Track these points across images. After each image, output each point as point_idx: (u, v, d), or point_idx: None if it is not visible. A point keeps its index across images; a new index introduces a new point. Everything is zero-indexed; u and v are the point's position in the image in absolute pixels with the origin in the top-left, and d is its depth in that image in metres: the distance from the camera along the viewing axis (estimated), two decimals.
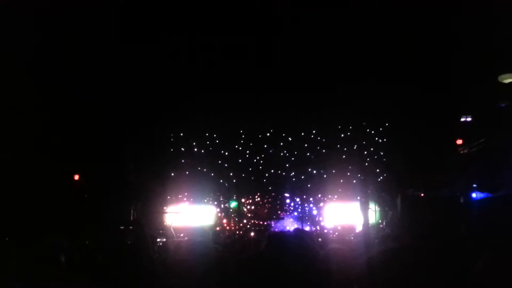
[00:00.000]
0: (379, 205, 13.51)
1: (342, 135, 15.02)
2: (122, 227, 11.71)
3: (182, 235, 14.04)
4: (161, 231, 13.54)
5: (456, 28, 10.47)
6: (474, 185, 10.84)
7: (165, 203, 15.18)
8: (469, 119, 12.29)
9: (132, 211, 13.82)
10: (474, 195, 10.66)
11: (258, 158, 15.45)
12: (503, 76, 10.83)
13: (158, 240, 11.66)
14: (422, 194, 12.12)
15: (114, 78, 12.43)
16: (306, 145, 15.24)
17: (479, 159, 11.41)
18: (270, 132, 15.46)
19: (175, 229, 13.97)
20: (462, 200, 10.49)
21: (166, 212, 14.92)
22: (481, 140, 11.59)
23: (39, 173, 11.85)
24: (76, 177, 14.34)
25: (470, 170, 11.48)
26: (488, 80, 11.14)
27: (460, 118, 12.36)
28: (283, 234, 10.82)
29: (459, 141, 12.31)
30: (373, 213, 13.55)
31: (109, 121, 13.50)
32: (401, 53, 11.48)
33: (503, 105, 11.24)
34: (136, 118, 14.14)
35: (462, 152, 12.19)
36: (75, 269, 4.18)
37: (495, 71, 10.92)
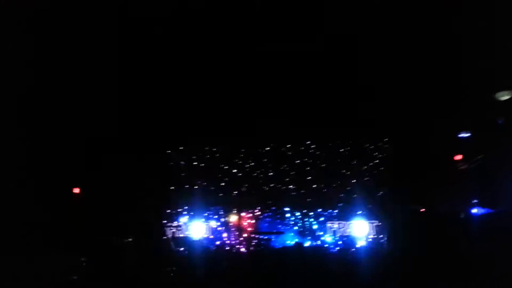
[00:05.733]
0: (380, 220, 13.50)
1: (342, 150, 15.09)
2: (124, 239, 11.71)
3: (182, 248, 14.01)
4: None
5: (455, 45, 10.67)
6: (475, 201, 10.90)
7: (165, 216, 15.15)
8: (467, 135, 12.42)
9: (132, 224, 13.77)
10: (474, 210, 10.70)
11: (258, 172, 15.49)
12: (500, 93, 11.02)
13: None
14: (423, 210, 12.14)
15: (115, 91, 12.57)
16: (306, 159, 15.30)
17: (478, 175, 11.50)
18: (270, 147, 15.53)
19: (175, 242, 13.94)
20: (462, 216, 10.53)
21: (167, 225, 14.89)
22: (480, 156, 11.70)
23: (40, 185, 11.87)
24: (76, 190, 14.35)
25: (470, 186, 11.56)
26: (486, 97, 11.31)
27: (459, 134, 12.49)
28: (286, 250, 10.85)
29: (458, 157, 12.41)
30: (374, 228, 13.55)
31: (109, 134, 13.58)
32: (401, 71, 11.65)
33: (500, 121, 11.40)
34: (136, 132, 14.23)
35: (461, 167, 12.29)
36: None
37: (493, 88, 11.10)
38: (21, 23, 9.80)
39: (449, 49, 10.83)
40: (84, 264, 9.42)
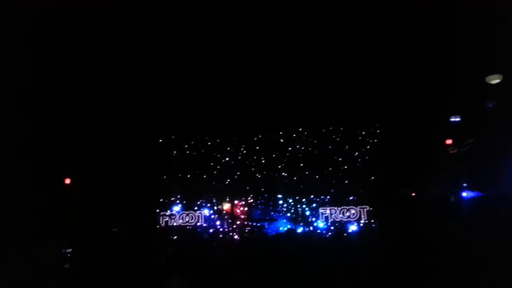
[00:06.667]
0: (371, 205, 13.61)
1: (334, 136, 15.11)
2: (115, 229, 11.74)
3: (175, 237, 14.07)
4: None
5: (445, 31, 10.64)
6: (464, 184, 10.99)
7: (158, 205, 15.16)
8: (458, 119, 12.46)
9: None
10: (464, 194, 10.80)
11: (250, 159, 15.49)
12: (490, 76, 11.02)
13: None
14: (414, 194, 12.25)
15: (106, 79, 12.49)
16: (298, 146, 15.30)
17: (468, 159, 11.57)
18: (262, 134, 15.52)
19: (168, 231, 14.00)
20: (452, 199, 10.63)
21: (160, 215, 14.92)
22: (470, 140, 11.76)
23: (31, 175, 11.83)
24: (68, 180, 14.29)
25: (460, 170, 11.63)
26: (476, 80, 11.33)
27: (449, 118, 12.53)
28: (277, 236, 10.90)
29: (449, 141, 12.47)
30: (365, 213, 13.67)
31: (100, 123, 13.50)
32: (391, 56, 11.63)
33: (490, 105, 11.43)
34: (128, 120, 14.16)
35: (451, 152, 12.35)
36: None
37: (483, 72, 11.12)
38: (19, 24, 9.77)
39: (440, 34, 10.80)
40: (75, 253, 9.43)
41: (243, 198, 15.38)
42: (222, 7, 10.67)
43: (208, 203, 15.45)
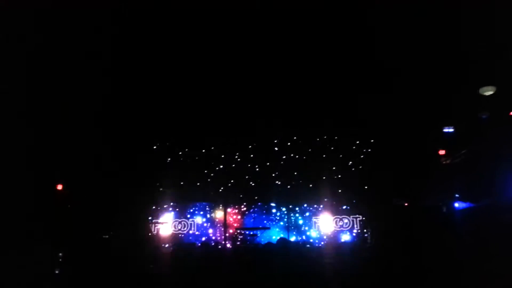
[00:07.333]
0: (364, 215, 13.57)
1: (328, 145, 15.10)
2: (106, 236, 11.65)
3: (167, 245, 13.96)
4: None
5: (439, 41, 10.73)
6: (457, 195, 11.02)
7: (151, 213, 15.05)
8: (451, 130, 12.53)
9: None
10: (456, 204, 10.83)
11: (244, 168, 15.44)
12: (484, 88, 11.12)
13: None
14: (406, 204, 12.25)
15: (104, 87, 12.48)
16: (292, 154, 15.28)
17: (461, 170, 11.62)
18: (256, 142, 15.49)
19: (160, 239, 13.89)
20: (445, 210, 10.65)
21: (152, 222, 14.81)
22: (463, 151, 11.82)
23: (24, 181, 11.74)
24: (60, 187, 14.19)
25: (453, 180, 11.67)
26: (469, 92, 11.42)
27: (443, 129, 12.59)
28: (269, 245, 10.85)
29: (442, 152, 12.52)
30: (358, 222, 13.64)
31: (92, 129, 13.45)
32: (386, 67, 11.70)
33: (484, 116, 11.52)
34: (122, 126, 14.10)
35: (445, 162, 12.39)
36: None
37: (476, 84, 11.21)
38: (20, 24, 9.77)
39: (435, 46, 10.89)
40: (66, 258, 9.36)
41: (236, 206, 15.30)
42: (215, 25, 10.79)
43: (201, 211, 15.37)
